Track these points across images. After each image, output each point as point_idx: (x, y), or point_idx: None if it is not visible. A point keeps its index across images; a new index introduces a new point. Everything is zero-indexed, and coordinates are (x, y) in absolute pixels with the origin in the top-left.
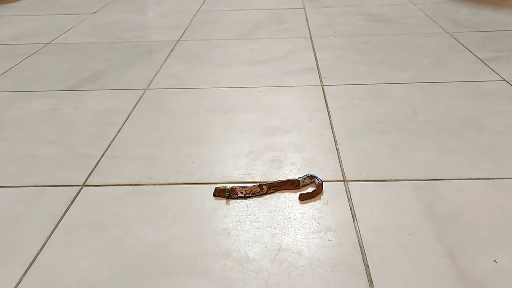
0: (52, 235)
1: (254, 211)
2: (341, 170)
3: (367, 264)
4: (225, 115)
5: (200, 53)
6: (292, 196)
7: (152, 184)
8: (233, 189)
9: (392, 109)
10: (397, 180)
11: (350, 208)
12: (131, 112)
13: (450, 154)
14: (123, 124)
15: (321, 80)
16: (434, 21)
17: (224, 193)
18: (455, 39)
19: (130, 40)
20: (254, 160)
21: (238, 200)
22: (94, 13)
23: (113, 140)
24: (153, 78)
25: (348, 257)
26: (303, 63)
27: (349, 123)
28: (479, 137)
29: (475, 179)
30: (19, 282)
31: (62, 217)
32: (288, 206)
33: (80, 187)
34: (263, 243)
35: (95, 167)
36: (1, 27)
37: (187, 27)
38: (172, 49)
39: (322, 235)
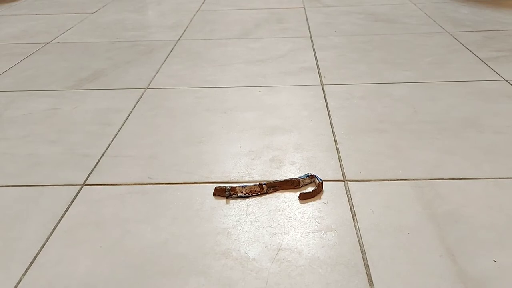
0: (52, 234)
1: (254, 211)
2: (341, 169)
3: (367, 264)
4: (225, 114)
5: (200, 52)
6: (292, 196)
7: (152, 184)
8: (233, 188)
9: (392, 109)
10: (397, 179)
11: (350, 207)
12: (131, 111)
13: (450, 154)
14: (123, 124)
15: (321, 80)
16: (434, 21)
17: (224, 193)
18: (455, 38)
19: (130, 40)
20: (254, 160)
21: (238, 200)
22: (94, 12)
23: (113, 140)
24: (153, 78)
25: (348, 257)
26: (303, 62)
27: (349, 123)
28: (479, 137)
29: (475, 179)
30: (19, 281)
31: (62, 217)
32: (288, 206)
33: (80, 186)
34: (263, 243)
35: (95, 167)
36: (1, 26)
37: (187, 27)
38: (172, 49)
39: (322, 234)
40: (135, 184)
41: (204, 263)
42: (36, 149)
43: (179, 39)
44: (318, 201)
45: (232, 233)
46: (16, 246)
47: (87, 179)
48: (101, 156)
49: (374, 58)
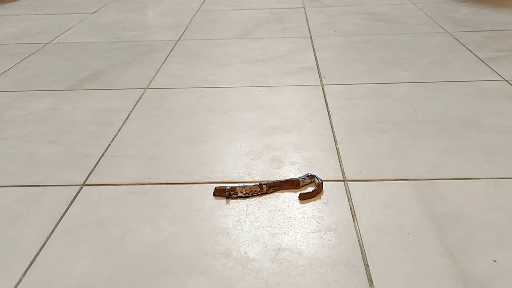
0: (52, 234)
1: (254, 211)
2: (341, 169)
3: (367, 264)
4: (225, 114)
5: (200, 52)
6: (292, 196)
7: (152, 184)
8: (233, 188)
9: (392, 109)
10: (397, 179)
11: (350, 207)
12: (131, 111)
13: (450, 154)
14: (123, 124)
15: (321, 80)
16: (434, 21)
17: (224, 193)
18: (455, 38)
19: (130, 40)
20: (254, 160)
21: (238, 200)
22: (94, 12)
23: (113, 140)
24: (153, 78)
25: (348, 257)
26: (303, 62)
27: (349, 123)
28: (479, 137)
29: (475, 179)
30: (19, 281)
31: (62, 217)
32: (288, 206)
33: (80, 186)
34: (263, 243)
35: (95, 167)
36: (1, 26)
37: (187, 27)
38: (172, 49)
39: (322, 234)
40: (135, 184)
41: (204, 263)
42: (36, 149)
43: (179, 39)
44: (318, 201)
45: (232, 233)
46: (16, 246)
47: (87, 179)
48: (101, 156)
49: (374, 58)
